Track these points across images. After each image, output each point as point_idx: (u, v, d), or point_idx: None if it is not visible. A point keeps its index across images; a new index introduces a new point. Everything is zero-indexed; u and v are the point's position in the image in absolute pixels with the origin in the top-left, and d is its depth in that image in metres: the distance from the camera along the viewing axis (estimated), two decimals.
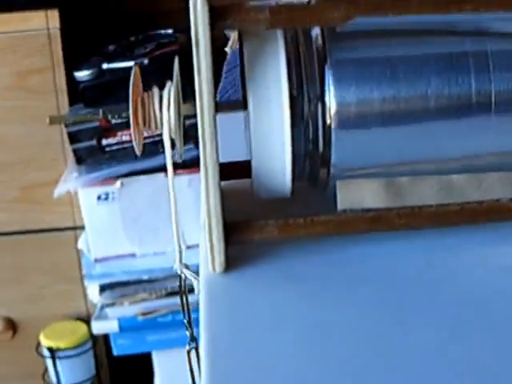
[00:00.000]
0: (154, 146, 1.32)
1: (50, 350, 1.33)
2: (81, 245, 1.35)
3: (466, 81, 0.40)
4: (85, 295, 1.35)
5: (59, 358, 1.34)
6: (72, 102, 1.32)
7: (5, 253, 1.40)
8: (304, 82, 0.40)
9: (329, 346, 0.35)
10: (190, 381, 0.41)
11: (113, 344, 1.32)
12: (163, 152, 1.23)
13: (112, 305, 1.29)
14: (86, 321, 1.37)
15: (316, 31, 0.42)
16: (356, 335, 0.36)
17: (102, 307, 1.29)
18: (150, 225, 1.32)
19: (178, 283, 0.42)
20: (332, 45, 0.41)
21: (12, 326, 1.42)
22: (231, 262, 0.40)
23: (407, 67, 0.40)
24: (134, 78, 0.42)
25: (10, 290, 1.40)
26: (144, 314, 1.29)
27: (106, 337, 1.37)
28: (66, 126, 1.29)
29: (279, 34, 0.38)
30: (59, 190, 1.30)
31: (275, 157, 0.40)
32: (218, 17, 0.37)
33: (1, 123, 1.32)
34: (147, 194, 1.35)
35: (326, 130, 0.40)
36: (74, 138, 1.30)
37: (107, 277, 1.31)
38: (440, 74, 0.40)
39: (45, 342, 1.35)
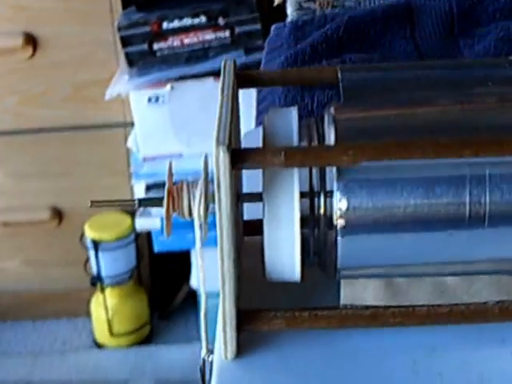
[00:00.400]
0: (203, 52, 1.36)
1: (94, 241, 1.43)
2: (130, 143, 1.43)
3: (462, 197, 0.44)
4: (131, 190, 1.43)
5: (102, 249, 1.43)
6: (125, 5, 1.35)
7: (56, 147, 1.48)
8: (315, 196, 0.45)
9: None
10: None
11: (154, 241, 1.42)
12: (213, 57, 1.26)
13: None
14: (130, 213, 1.46)
15: None
16: None
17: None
18: (198, 127, 1.38)
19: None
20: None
21: (58, 215, 1.52)
22: (241, 349, 0.47)
23: (409, 186, 0.44)
24: (169, 171, 0.47)
25: (58, 182, 1.49)
26: None
27: (148, 233, 1.46)
28: (119, 29, 1.33)
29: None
30: (111, 93, 1.36)
31: (286, 252, 0.45)
32: (238, 159, 0.42)
33: (54, 23, 1.36)
34: (196, 97, 1.40)
35: (333, 235, 0.45)
36: (126, 41, 1.34)
37: (154, 176, 1.39)
38: (438, 192, 0.44)
39: (89, 234, 1.44)
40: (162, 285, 1.56)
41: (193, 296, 1.50)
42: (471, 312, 0.45)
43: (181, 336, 1.53)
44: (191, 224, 1.28)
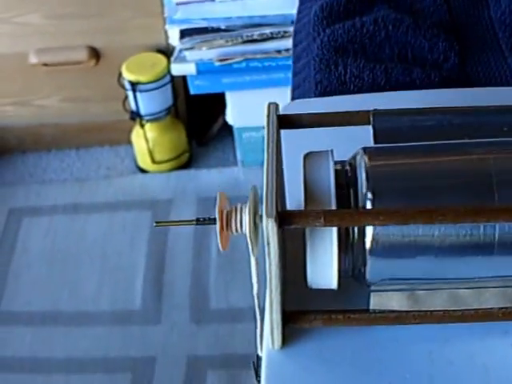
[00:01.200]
0: None
1: (131, 82, 1.51)
2: None
3: (477, 230, 0.54)
4: (165, 33, 1.49)
5: (139, 90, 1.52)
6: None
7: None
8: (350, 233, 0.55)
9: None
10: None
11: (190, 85, 1.50)
12: None
13: (191, 49, 1.44)
14: (166, 54, 1.53)
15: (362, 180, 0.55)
16: None
17: (181, 51, 1.44)
18: None
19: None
20: (376, 197, 0.55)
21: (96, 54, 1.59)
22: (286, 341, 0.59)
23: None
24: (221, 197, 0.57)
25: (93, 22, 1.54)
26: (221, 60, 1.45)
27: (183, 77, 1.54)
28: None
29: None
30: None
31: (326, 267, 0.56)
32: (284, 222, 0.52)
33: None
34: None
35: (364, 256, 0.56)
36: None
37: (187, 22, 1.44)
38: (455, 227, 0.54)
39: (126, 75, 1.51)
40: (198, 118, 1.66)
41: (229, 128, 1.60)
42: (479, 315, 0.56)
43: (218, 161, 1.65)
44: (226, 70, 1.35)
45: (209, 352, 1.28)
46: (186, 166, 1.65)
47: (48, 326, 1.28)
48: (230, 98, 1.49)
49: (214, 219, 0.57)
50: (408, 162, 0.55)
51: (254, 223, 0.55)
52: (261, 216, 0.55)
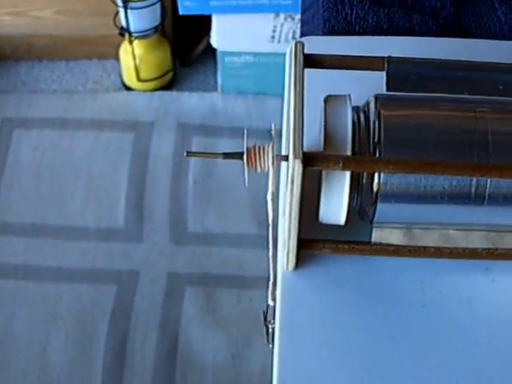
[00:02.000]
0: None
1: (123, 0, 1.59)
2: None
3: (468, 182, 0.65)
4: None
5: (130, 8, 1.60)
6: None
7: None
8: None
9: (351, 341, 0.67)
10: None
11: (179, 5, 1.58)
12: None
13: None
14: None
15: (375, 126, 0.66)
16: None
17: None
18: None
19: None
20: (386, 146, 0.65)
21: None
22: (299, 264, 0.70)
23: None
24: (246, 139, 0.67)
25: None
26: None
27: None
28: None
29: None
30: None
31: (337, 205, 0.67)
32: (307, 163, 0.62)
33: None
34: None
35: (373, 199, 0.67)
36: None
37: None
38: (453, 179, 0.65)
39: None
40: (183, 39, 1.75)
41: (213, 51, 1.69)
42: (466, 253, 0.68)
43: (200, 84, 1.74)
44: None
45: (187, 270, 1.39)
46: (168, 86, 1.73)
47: (39, 238, 1.38)
48: (216, 20, 1.58)
49: (241, 154, 0.67)
50: (416, 113, 0.65)
51: (273, 162, 0.65)
52: (280, 156, 0.65)
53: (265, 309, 0.73)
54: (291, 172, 0.58)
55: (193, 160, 1.55)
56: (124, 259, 1.38)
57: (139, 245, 1.41)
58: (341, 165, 0.59)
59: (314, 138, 0.69)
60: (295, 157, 0.58)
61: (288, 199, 0.60)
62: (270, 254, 0.67)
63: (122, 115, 1.61)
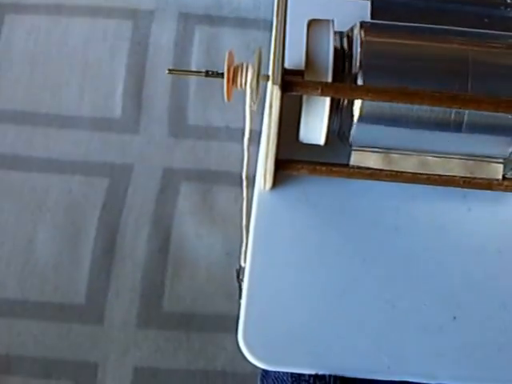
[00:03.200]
0: None
1: None
2: None
3: (448, 111, 0.70)
4: None
5: None
6: None
7: None
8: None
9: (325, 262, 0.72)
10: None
11: None
12: None
13: None
14: None
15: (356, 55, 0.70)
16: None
17: None
18: None
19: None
20: (366, 72, 0.69)
21: None
22: (275, 184, 0.75)
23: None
24: (229, 55, 0.71)
25: None
26: None
27: None
28: None
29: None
30: None
31: (317, 125, 0.71)
32: (286, 89, 0.66)
33: None
34: None
35: (352, 121, 0.71)
36: None
37: None
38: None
39: None
40: None
41: None
42: (443, 180, 0.73)
43: None
44: None
45: (184, 165, 1.43)
46: None
47: (30, 126, 1.41)
48: None
49: (222, 74, 0.71)
50: (399, 42, 0.68)
51: (257, 80, 0.69)
52: (263, 75, 0.69)
53: (237, 267, 0.78)
54: (269, 97, 0.63)
55: (196, 50, 1.57)
56: (118, 152, 1.42)
57: (135, 137, 1.45)
58: (319, 91, 0.63)
59: (299, 56, 0.72)
60: (274, 82, 0.62)
61: (266, 121, 0.65)
62: (244, 194, 0.72)
63: (120, 2, 1.62)
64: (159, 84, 1.54)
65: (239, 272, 0.78)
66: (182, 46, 1.57)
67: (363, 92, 0.64)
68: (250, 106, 0.69)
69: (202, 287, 1.35)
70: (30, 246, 1.32)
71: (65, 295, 1.27)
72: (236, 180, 1.50)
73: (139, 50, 1.58)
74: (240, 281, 0.75)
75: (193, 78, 1.57)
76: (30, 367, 1.20)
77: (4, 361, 1.22)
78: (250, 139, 0.70)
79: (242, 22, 1.63)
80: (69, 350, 1.24)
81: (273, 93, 0.63)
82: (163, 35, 1.61)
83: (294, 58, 0.71)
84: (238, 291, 0.75)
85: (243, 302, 0.67)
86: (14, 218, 1.35)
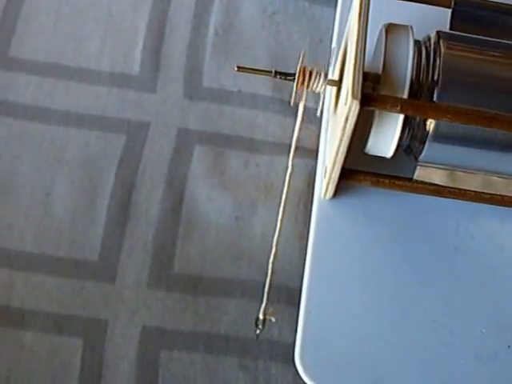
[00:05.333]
0: None
1: None
2: None
3: None
4: None
5: None
6: None
7: None
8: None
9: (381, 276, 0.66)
10: None
11: None
12: None
13: None
14: None
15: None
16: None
17: None
18: None
19: None
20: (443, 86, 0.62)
21: None
22: (337, 194, 0.68)
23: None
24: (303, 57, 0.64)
25: None
26: None
27: None
28: None
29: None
30: None
31: (386, 141, 0.65)
32: (365, 103, 0.59)
33: None
34: None
35: (423, 138, 0.64)
36: None
37: None
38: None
39: None
40: None
41: None
42: (505, 200, 0.67)
43: None
44: None
45: (198, 127, 1.36)
46: None
47: (51, 78, 1.35)
48: None
49: (293, 75, 0.64)
50: (478, 57, 0.62)
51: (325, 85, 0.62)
52: (331, 80, 0.61)
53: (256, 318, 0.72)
54: (347, 111, 0.56)
55: (216, 9, 1.49)
56: (135, 109, 1.36)
57: (152, 95, 1.39)
58: (398, 108, 0.56)
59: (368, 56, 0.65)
60: (353, 97, 0.55)
61: (339, 135, 0.57)
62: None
63: None
64: (178, 42, 1.48)
65: (257, 321, 0.72)
66: (202, 3, 1.48)
67: (442, 112, 0.57)
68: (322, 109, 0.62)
69: (210, 250, 1.30)
70: (48, 199, 1.27)
71: (79, 251, 1.23)
72: (246, 145, 1.44)
73: (161, 5, 1.48)
74: (258, 328, 0.69)
75: (210, 39, 1.49)
76: (42, 322, 1.15)
77: (18, 314, 1.16)
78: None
79: None
80: (80, 307, 1.18)
81: (351, 107, 0.55)
82: None
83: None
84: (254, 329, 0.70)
85: (300, 316, 0.61)
86: (33, 170, 1.31)
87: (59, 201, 1.30)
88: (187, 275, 1.28)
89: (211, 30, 1.50)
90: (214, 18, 1.53)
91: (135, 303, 1.25)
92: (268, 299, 0.73)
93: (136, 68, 1.45)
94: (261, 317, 0.73)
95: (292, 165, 0.68)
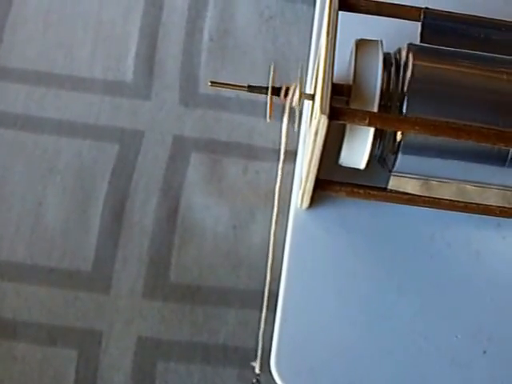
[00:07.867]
0: None
1: None
2: None
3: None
4: None
5: None
6: None
7: None
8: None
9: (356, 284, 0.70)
10: None
11: None
12: None
13: None
14: None
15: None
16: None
17: None
18: None
19: None
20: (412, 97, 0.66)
21: None
22: (312, 204, 0.73)
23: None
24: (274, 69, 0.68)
25: None
26: None
27: None
28: None
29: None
30: None
31: (360, 150, 0.69)
32: (334, 117, 0.63)
33: None
34: None
35: (395, 148, 0.69)
36: None
37: None
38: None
39: None
40: None
41: None
42: (480, 209, 0.71)
43: None
44: None
45: (194, 134, 1.39)
46: None
47: (42, 86, 1.37)
48: None
49: (266, 88, 0.68)
50: (448, 68, 0.66)
51: (300, 99, 0.66)
52: (306, 94, 0.66)
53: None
54: (316, 124, 0.60)
55: (210, 14, 1.53)
56: (129, 117, 1.39)
57: (146, 102, 1.41)
58: (367, 121, 0.60)
59: (342, 68, 0.69)
60: (322, 112, 0.59)
61: (310, 148, 0.62)
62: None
63: None
64: (172, 48, 1.50)
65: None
66: (196, 9, 1.51)
67: (410, 125, 0.61)
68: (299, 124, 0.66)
69: (207, 259, 1.33)
70: (40, 208, 1.29)
71: (73, 261, 1.26)
72: (244, 152, 1.47)
73: (153, 11, 1.52)
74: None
75: (205, 44, 1.52)
76: (35, 333, 1.18)
77: (10, 325, 1.20)
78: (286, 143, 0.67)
79: None
80: (74, 318, 1.21)
81: (320, 121, 0.60)
82: None
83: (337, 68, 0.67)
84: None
85: (276, 323, 0.65)
86: (24, 179, 1.34)
87: (51, 210, 1.32)
88: (184, 284, 1.31)
89: (206, 35, 1.53)
90: (209, 24, 1.55)
91: (130, 313, 1.28)
92: (267, 309, 0.75)
93: (129, 75, 1.48)
94: (257, 371, 0.76)
95: (282, 174, 0.72)
